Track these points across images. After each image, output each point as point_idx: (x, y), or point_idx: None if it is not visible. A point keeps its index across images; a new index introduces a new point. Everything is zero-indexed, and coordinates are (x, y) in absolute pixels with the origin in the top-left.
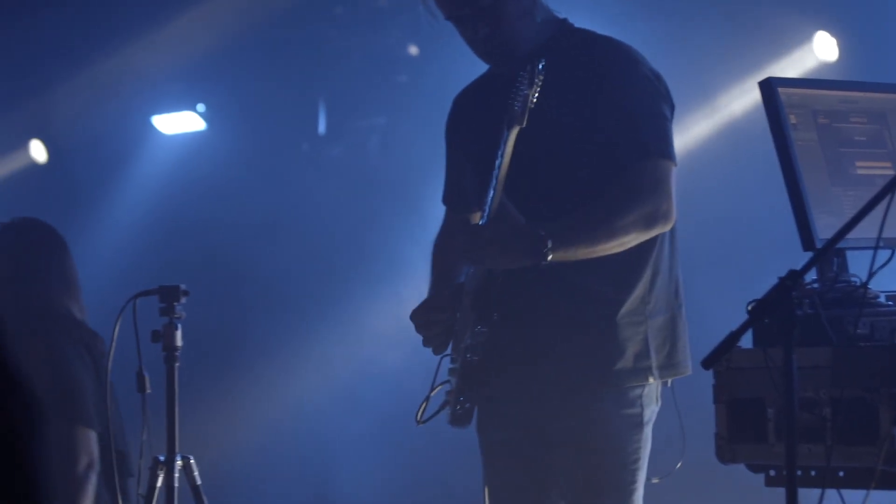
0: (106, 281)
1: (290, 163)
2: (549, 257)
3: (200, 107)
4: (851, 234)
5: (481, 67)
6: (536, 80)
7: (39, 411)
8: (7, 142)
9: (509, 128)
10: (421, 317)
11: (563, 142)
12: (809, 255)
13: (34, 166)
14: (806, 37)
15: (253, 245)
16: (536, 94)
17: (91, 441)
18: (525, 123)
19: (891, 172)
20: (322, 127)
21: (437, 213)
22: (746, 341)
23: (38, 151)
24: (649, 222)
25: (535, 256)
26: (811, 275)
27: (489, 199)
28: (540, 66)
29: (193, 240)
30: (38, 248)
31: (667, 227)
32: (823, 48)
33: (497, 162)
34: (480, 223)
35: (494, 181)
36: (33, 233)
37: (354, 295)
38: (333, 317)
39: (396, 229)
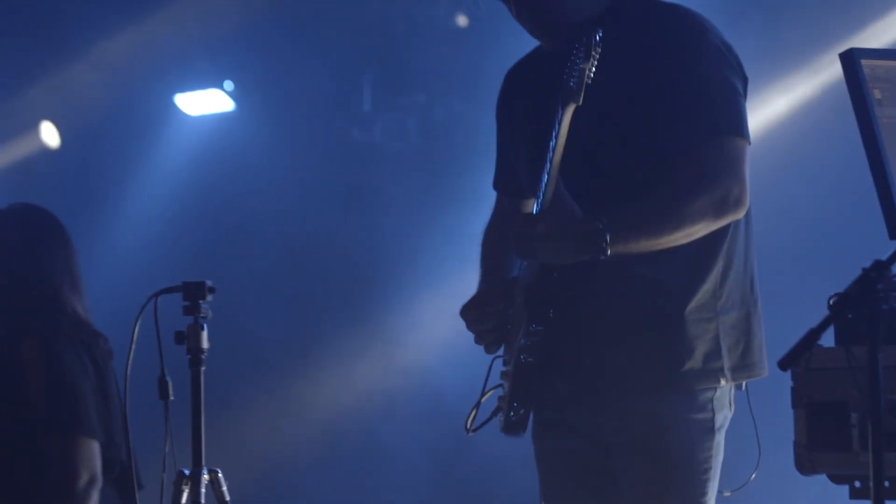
0: (124, 277)
1: (325, 146)
2: (608, 252)
3: (228, 84)
4: None
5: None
6: (593, 54)
7: (34, 422)
8: (15, 124)
9: (564, 106)
10: (472, 313)
11: (623, 119)
12: None
13: (45, 151)
14: (890, 4)
15: (285, 237)
16: (594, 69)
17: (93, 453)
18: (581, 101)
19: None
20: (367, 104)
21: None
22: (828, 339)
23: (49, 135)
24: (720, 209)
25: (592, 251)
26: None
27: (543, 184)
28: (597, 38)
29: (220, 232)
30: (41, 239)
31: (739, 215)
32: None
33: (551, 143)
34: (534, 212)
35: (549, 165)
36: (36, 221)
37: (394, 292)
38: (371, 313)
39: (439, 220)
